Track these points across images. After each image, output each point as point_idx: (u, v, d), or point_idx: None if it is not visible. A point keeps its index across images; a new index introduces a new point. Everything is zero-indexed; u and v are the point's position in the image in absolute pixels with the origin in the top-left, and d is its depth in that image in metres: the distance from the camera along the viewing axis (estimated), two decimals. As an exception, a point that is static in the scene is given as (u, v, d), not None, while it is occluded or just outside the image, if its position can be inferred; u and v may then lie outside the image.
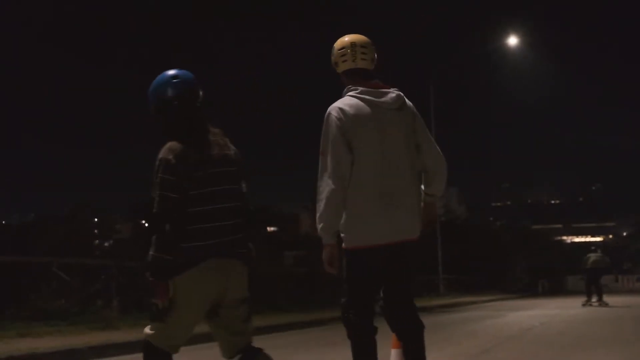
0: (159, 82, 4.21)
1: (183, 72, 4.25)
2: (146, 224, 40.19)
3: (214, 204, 4.03)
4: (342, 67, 4.56)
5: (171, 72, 4.24)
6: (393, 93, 4.45)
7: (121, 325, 13.31)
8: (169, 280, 3.96)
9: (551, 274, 63.38)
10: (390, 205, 4.26)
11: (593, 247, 28.74)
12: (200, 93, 4.24)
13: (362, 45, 4.53)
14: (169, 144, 4.05)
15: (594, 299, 25.06)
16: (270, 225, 69.53)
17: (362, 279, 4.38)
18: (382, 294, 4.49)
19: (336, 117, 4.31)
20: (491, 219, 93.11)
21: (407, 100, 4.53)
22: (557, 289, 59.11)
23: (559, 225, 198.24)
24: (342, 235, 4.37)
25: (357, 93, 4.40)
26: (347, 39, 4.58)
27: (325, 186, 4.26)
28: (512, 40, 30.44)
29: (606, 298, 25.20)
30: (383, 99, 4.39)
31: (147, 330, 4.18)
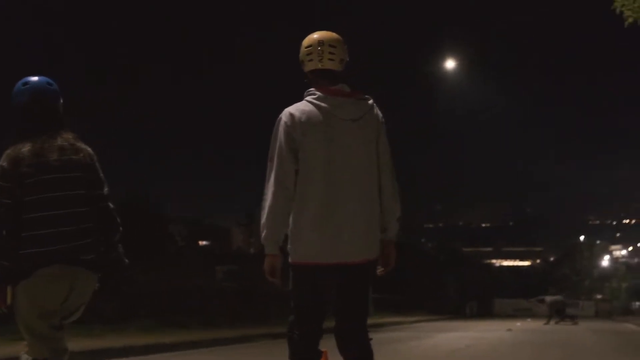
0: (15, 89, 4.20)
1: (38, 78, 4.21)
2: None
3: (51, 210, 3.95)
4: (308, 67, 4.27)
5: (27, 78, 4.20)
6: (353, 101, 4.18)
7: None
8: (8, 286, 3.91)
9: (480, 296, 64.15)
10: (335, 224, 4.01)
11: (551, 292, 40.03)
12: (57, 98, 4.21)
13: (331, 44, 4.22)
14: (8, 150, 4.03)
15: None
16: (202, 239, 68.90)
17: (306, 296, 4.14)
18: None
19: (285, 122, 4.08)
20: (423, 240, 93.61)
21: (376, 110, 4.25)
22: (485, 312, 59.86)
23: (489, 249, 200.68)
24: (288, 247, 4.15)
25: (313, 98, 4.14)
26: (315, 36, 4.26)
27: (269, 195, 4.04)
28: (450, 64, 30.78)
29: (530, 322, 27.52)
30: (340, 108, 4.11)
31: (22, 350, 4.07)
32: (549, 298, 36.56)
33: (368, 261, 4.15)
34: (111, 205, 4.21)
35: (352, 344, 4.14)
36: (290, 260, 4.12)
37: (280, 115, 4.14)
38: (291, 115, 4.10)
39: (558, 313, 34.75)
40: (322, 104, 4.10)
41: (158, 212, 36.65)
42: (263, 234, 4.09)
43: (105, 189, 4.19)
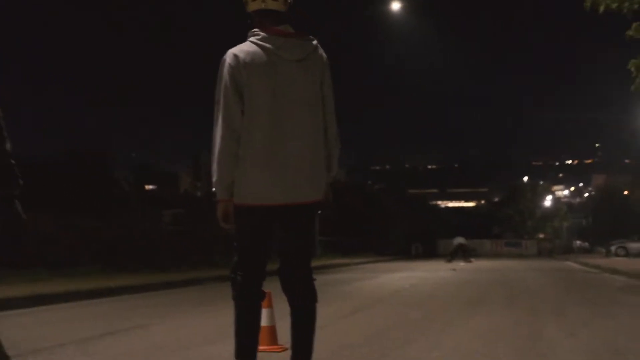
0: None
1: None
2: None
3: None
4: (251, 7, 4.15)
5: None
6: (297, 42, 4.11)
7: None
8: None
9: (425, 237, 65.08)
10: (280, 164, 3.98)
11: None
12: None
13: None
14: None
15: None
16: (148, 184, 68.50)
17: (250, 237, 4.10)
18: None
19: (229, 63, 4.01)
20: (370, 182, 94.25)
21: (320, 51, 4.19)
22: (429, 252, 60.83)
23: (435, 190, 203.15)
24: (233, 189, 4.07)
25: (257, 39, 4.06)
26: None
27: (217, 138, 3.99)
28: (395, 5, 30.56)
29: (475, 262, 28.57)
30: (283, 49, 4.04)
31: None
32: (454, 240, 40.93)
33: (313, 202, 4.13)
34: (12, 162, 4.12)
35: (296, 285, 4.15)
36: (234, 201, 4.05)
37: (224, 57, 4.06)
38: (235, 56, 4.02)
39: (461, 253, 39.22)
40: (266, 45, 4.04)
41: (103, 158, 36.31)
42: (213, 179, 4.05)
43: (8, 145, 4.10)
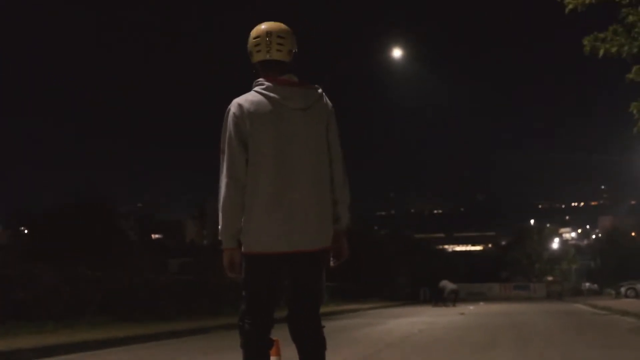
0: None
1: None
2: (25, 231, 39.10)
3: None
4: (256, 58, 4.23)
5: None
6: (302, 91, 4.16)
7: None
8: None
9: (433, 282, 64.72)
10: (285, 212, 3.99)
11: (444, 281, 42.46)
12: None
13: (279, 35, 4.20)
14: None
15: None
16: (154, 233, 68.45)
17: (257, 285, 4.12)
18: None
19: (234, 113, 4.07)
20: (375, 227, 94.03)
21: (325, 99, 4.24)
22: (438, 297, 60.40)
23: (442, 234, 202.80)
24: (240, 237, 4.11)
25: (262, 88, 4.12)
26: (263, 27, 4.24)
27: (222, 187, 4.05)
28: (397, 53, 30.79)
29: (483, 306, 28.23)
30: (288, 98, 4.10)
31: None
32: (446, 285, 42.04)
33: (320, 250, 4.13)
34: None
35: (305, 332, 4.14)
36: (242, 249, 4.09)
37: (229, 107, 4.12)
38: (239, 106, 4.08)
39: (454, 297, 40.85)
40: (271, 94, 4.08)
41: (107, 208, 36.30)
42: (219, 228, 4.09)
43: None
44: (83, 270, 20.86)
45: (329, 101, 4.26)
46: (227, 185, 4.02)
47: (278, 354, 5.71)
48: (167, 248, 55.12)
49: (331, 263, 4.31)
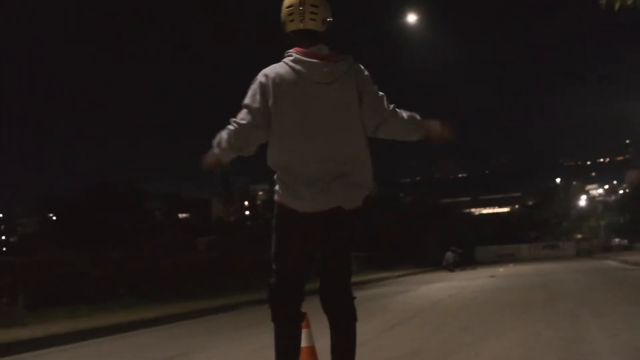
0: None
1: None
2: (54, 217, 39.46)
3: None
4: (289, 27, 4.19)
5: None
6: (329, 64, 4.09)
7: (29, 322, 13.13)
8: None
9: (461, 246, 64.74)
10: (310, 181, 3.95)
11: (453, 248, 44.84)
12: None
13: (313, 4, 4.14)
14: None
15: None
16: (181, 212, 68.86)
17: (290, 241, 4.08)
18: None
19: (260, 81, 4.05)
20: (401, 194, 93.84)
21: (356, 69, 4.18)
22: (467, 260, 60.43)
23: (467, 198, 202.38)
24: (276, 187, 4.08)
25: (290, 60, 4.08)
26: None
27: (232, 123, 4.06)
28: (412, 17, 30.58)
29: (513, 267, 32.26)
30: (314, 71, 4.05)
31: None
32: (447, 254, 44.23)
33: (350, 211, 4.09)
34: None
35: (337, 304, 4.15)
36: (276, 198, 4.08)
37: (257, 76, 4.11)
38: (266, 76, 4.06)
39: (455, 263, 42.50)
40: (297, 66, 4.06)
41: (134, 190, 36.54)
42: (215, 145, 4.16)
43: None
44: (112, 253, 21.08)
45: (362, 69, 4.21)
46: (232, 125, 4.07)
47: (308, 327, 5.73)
48: (195, 227, 55.39)
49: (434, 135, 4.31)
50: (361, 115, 4.18)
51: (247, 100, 4.08)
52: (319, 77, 4.07)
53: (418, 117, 4.33)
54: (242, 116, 4.06)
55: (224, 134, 4.11)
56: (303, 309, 4.20)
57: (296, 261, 4.13)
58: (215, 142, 4.16)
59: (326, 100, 4.07)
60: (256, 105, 4.04)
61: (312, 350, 5.87)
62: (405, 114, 4.28)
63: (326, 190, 4.00)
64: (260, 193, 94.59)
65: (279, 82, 4.03)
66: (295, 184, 3.99)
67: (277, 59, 4.22)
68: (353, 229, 4.21)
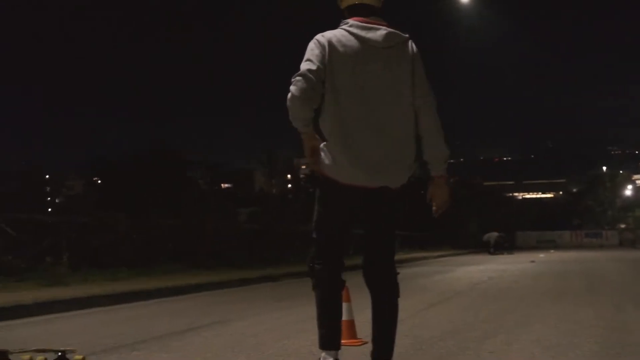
0: None
1: None
2: (99, 181, 39.95)
3: None
4: (346, 2, 4.16)
5: None
6: (384, 30, 4.01)
7: (70, 282, 13.34)
8: None
9: (502, 229, 64.29)
10: (365, 147, 3.92)
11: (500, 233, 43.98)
12: None
13: None
14: None
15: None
16: (224, 182, 69.26)
17: (331, 219, 4.10)
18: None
19: (318, 40, 3.99)
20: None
21: (410, 44, 4.10)
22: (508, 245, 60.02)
23: (511, 182, 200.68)
24: (322, 156, 4.02)
25: (347, 26, 4.03)
26: None
27: (292, 84, 3.87)
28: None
29: (554, 253, 32.42)
30: (371, 34, 3.99)
31: None
32: (487, 235, 43.83)
33: (396, 189, 4.09)
34: None
35: (380, 279, 4.14)
36: (321, 169, 4.03)
37: (315, 37, 4.05)
38: (323, 36, 4.02)
39: (496, 246, 41.87)
40: (354, 30, 4.01)
41: (179, 158, 36.83)
42: (290, 116, 3.93)
43: None
44: (155, 218, 21.29)
45: (415, 47, 4.14)
46: (297, 81, 3.87)
47: (348, 300, 5.74)
48: (237, 197, 55.71)
49: (434, 211, 4.25)
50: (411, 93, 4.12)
51: (306, 56, 3.99)
52: (375, 41, 4.00)
53: (448, 151, 4.24)
54: (304, 67, 3.92)
55: (293, 91, 3.88)
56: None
57: (335, 231, 4.14)
58: (291, 114, 3.92)
59: (382, 67, 4.01)
60: (315, 60, 3.95)
61: (351, 323, 5.90)
62: (440, 125, 4.17)
63: (375, 169, 3.97)
64: (304, 167, 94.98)
65: (335, 42, 3.98)
66: (344, 157, 3.94)
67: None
68: (398, 207, 4.22)
